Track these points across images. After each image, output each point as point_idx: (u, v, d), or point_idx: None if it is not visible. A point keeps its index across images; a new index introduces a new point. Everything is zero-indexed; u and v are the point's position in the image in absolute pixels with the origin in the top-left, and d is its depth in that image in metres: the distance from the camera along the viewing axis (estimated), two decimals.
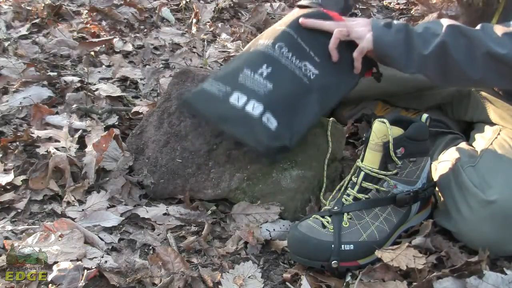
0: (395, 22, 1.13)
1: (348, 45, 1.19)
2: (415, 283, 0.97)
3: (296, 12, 1.25)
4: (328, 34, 1.19)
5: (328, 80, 1.18)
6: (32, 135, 1.36)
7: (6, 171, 1.26)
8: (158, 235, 1.13)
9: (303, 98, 1.16)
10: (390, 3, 3.01)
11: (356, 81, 1.23)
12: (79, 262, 0.97)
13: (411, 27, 1.11)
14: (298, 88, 1.16)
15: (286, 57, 1.17)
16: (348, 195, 1.08)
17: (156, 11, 2.50)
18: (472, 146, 1.22)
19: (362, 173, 1.08)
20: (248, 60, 1.19)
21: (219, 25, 2.49)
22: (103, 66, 1.91)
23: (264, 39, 1.21)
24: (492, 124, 1.25)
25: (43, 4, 2.28)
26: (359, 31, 1.14)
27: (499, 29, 1.06)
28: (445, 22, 1.09)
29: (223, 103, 1.14)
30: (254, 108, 1.11)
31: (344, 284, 1.00)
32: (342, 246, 1.01)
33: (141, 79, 1.84)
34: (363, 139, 1.11)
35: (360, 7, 2.85)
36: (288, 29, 1.20)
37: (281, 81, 1.15)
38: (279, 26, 1.23)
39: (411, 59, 1.10)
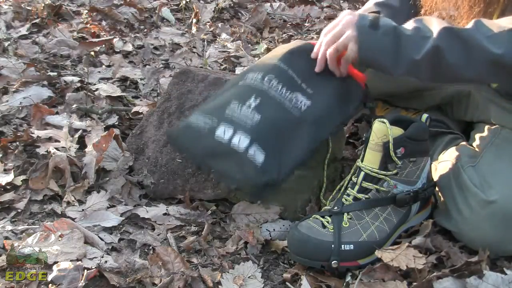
0: (382, 21, 1.07)
1: (341, 78, 1.17)
2: (415, 283, 0.97)
3: (286, 47, 1.23)
4: (323, 70, 1.17)
5: (320, 111, 1.15)
6: (32, 135, 1.36)
7: (6, 171, 1.26)
8: (158, 235, 1.14)
9: (292, 131, 1.12)
10: None
11: (350, 112, 1.20)
12: (79, 262, 0.97)
13: (400, 29, 1.07)
14: (287, 120, 1.13)
15: (276, 89, 1.14)
16: (348, 195, 1.08)
17: (156, 11, 2.50)
18: (472, 146, 1.22)
19: (362, 173, 1.08)
20: (237, 93, 1.16)
21: (219, 25, 2.49)
22: (103, 66, 1.91)
23: (254, 73, 1.19)
24: (492, 124, 1.25)
25: (43, 4, 2.28)
26: (345, 39, 1.09)
27: (494, 26, 1.04)
28: (436, 22, 1.07)
29: (209, 137, 1.11)
30: (241, 141, 1.08)
31: (344, 284, 1.00)
32: (342, 246, 1.01)
33: (141, 79, 1.84)
34: (363, 139, 1.11)
35: (360, 7, 2.85)
36: (278, 63, 1.18)
37: (269, 112, 1.12)
38: (270, 60, 1.21)
39: (399, 63, 1.07)
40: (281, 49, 1.23)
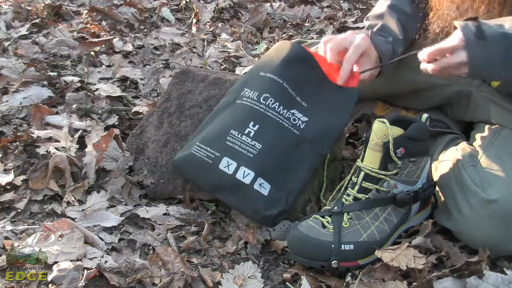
0: (486, 29, 1.00)
1: (330, 87, 1.18)
2: (415, 283, 0.97)
3: (277, 52, 1.23)
4: (315, 78, 1.18)
5: (318, 127, 1.15)
6: (32, 135, 1.36)
7: (6, 171, 1.26)
8: (158, 235, 1.13)
9: (295, 151, 1.13)
10: None
11: (347, 120, 1.21)
12: (79, 262, 0.97)
13: (508, 33, 1.00)
14: (288, 142, 1.13)
15: (273, 108, 1.14)
16: (348, 195, 1.08)
17: (156, 11, 2.50)
18: (473, 146, 1.22)
19: (362, 173, 1.08)
20: (235, 119, 1.16)
21: (219, 25, 2.49)
22: (103, 66, 1.91)
23: (250, 90, 1.19)
24: (492, 124, 1.25)
25: (43, 4, 2.28)
26: (457, 68, 1.04)
27: None
28: None
29: (214, 170, 1.11)
30: (245, 175, 1.09)
31: (344, 284, 1.00)
32: (342, 246, 1.01)
33: (141, 79, 1.84)
34: (363, 139, 1.11)
35: (360, 7, 2.86)
36: (272, 76, 1.18)
37: (270, 138, 1.12)
38: (263, 72, 1.20)
39: (507, 71, 1.04)
40: (277, 54, 1.22)
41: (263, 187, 1.09)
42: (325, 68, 1.22)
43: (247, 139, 1.12)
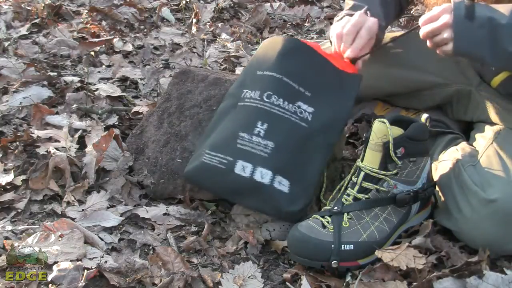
0: (477, 10, 1.04)
1: (334, 71, 1.18)
2: (415, 283, 0.97)
3: (270, 48, 1.22)
4: (316, 64, 1.18)
5: (325, 115, 1.15)
6: (32, 135, 1.36)
7: (6, 171, 1.26)
8: (158, 235, 1.14)
9: (306, 144, 1.13)
10: None
11: (352, 106, 1.20)
12: (79, 262, 0.97)
13: (495, 19, 1.04)
14: (299, 136, 1.13)
15: (278, 105, 1.14)
16: (348, 195, 1.08)
17: (156, 11, 2.50)
18: (473, 146, 1.22)
19: (362, 173, 1.08)
20: (241, 121, 1.15)
21: (219, 25, 2.49)
22: (103, 66, 1.91)
23: (250, 90, 1.18)
24: (492, 123, 1.25)
25: (43, 4, 2.28)
26: (441, 25, 1.06)
27: None
28: None
29: (229, 175, 1.09)
30: (263, 175, 1.08)
31: (344, 284, 1.00)
32: (342, 246, 1.01)
33: (141, 79, 1.84)
34: (363, 139, 1.11)
35: None
36: (270, 73, 1.17)
37: (281, 135, 1.12)
38: (260, 70, 1.19)
39: (497, 57, 1.06)
40: (271, 50, 1.22)
41: (283, 184, 1.09)
42: (323, 54, 1.22)
43: (258, 139, 1.12)
